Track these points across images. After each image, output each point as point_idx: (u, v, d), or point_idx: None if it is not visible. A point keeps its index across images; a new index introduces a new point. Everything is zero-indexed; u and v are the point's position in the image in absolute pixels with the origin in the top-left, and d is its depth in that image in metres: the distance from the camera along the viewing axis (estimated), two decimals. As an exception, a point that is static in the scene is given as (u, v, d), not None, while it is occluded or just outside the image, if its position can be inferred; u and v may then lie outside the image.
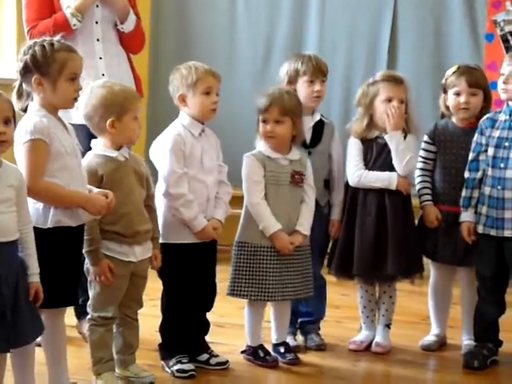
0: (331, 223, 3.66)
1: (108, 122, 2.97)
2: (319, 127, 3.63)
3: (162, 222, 3.26)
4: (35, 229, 2.75)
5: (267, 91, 3.46)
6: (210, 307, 3.45)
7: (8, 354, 2.70)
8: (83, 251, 2.97)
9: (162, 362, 3.38)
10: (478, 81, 3.56)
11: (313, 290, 3.50)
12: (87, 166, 2.98)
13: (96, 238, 2.96)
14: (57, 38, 2.88)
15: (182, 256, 3.26)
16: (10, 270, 2.58)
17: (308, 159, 3.49)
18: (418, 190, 3.66)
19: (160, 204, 3.27)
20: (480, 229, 3.46)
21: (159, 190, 3.27)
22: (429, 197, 3.64)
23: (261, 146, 3.46)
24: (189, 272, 3.28)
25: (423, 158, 3.67)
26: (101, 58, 3.67)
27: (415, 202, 3.69)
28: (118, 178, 3.00)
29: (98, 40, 3.70)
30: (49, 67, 2.79)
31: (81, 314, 3.72)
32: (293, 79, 3.61)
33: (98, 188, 2.92)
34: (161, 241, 3.24)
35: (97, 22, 3.70)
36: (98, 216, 2.88)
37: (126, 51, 3.83)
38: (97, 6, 3.70)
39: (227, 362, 3.44)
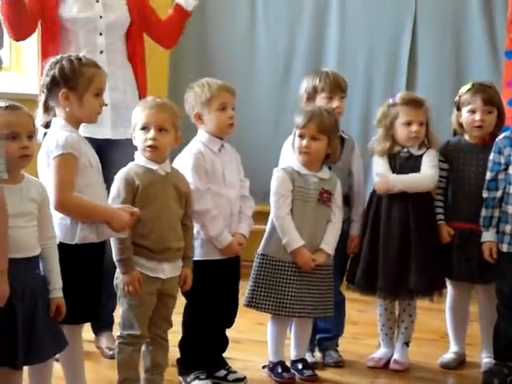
0: (350, 239, 3.65)
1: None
2: (339, 143, 3.62)
3: None
4: (62, 245, 2.76)
5: (307, 108, 3.47)
6: (231, 323, 3.44)
7: (25, 367, 2.70)
8: (114, 259, 2.95)
9: (180, 378, 3.37)
10: (492, 98, 3.56)
11: (332, 312, 3.49)
12: (125, 175, 2.97)
13: (128, 247, 2.94)
14: (82, 54, 2.92)
15: (207, 273, 3.24)
16: (28, 286, 2.57)
17: (338, 180, 3.49)
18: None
19: None
20: (505, 248, 3.42)
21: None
22: (441, 216, 3.62)
23: (292, 160, 3.46)
24: (213, 289, 3.27)
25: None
26: None
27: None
28: (154, 191, 2.99)
29: (101, 52, 3.66)
30: (77, 81, 2.83)
31: (98, 328, 3.74)
32: (311, 96, 3.61)
33: (133, 198, 2.93)
34: None
35: (101, 34, 3.67)
36: (120, 233, 2.88)
37: (131, 63, 3.78)
38: (100, 17, 3.66)
39: (245, 378, 3.43)
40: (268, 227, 3.46)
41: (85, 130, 3.14)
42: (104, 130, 3.60)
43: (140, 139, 3.02)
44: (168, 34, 3.92)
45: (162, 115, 3.01)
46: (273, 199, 3.43)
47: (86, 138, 3.01)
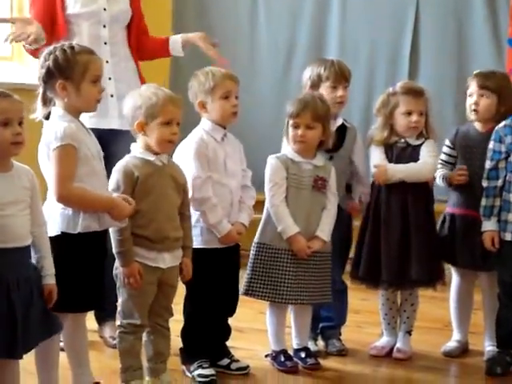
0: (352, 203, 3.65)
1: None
2: (341, 132, 3.63)
3: None
4: (64, 234, 2.77)
5: (299, 96, 3.46)
6: (232, 312, 3.45)
7: (34, 356, 2.73)
8: (114, 252, 2.95)
9: (183, 367, 3.38)
10: (489, 83, 3.54)
11: (331, 297, 3.49)
12: (124, 167, 2.96)
13: (127, 239, 2.93)
14: (75, 42, 2.91)
15: (206, 261, 3.25)
16: (22, 276, 2.57)
17: (332, 167, 3.49)
18: (439, 176, 3.64)
19: None
20: (508, 236, 3.41)
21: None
22: (448, 171, 3.63)
23: (287, 149, 3.47)
24: (213, 277, 3.28)
25: (443, 161, 3.67)
26: (107, 62, 3.63)
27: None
28: (153, 182, 2.98)
29: (105, 43, 3.67)
30: (72, 70, 2.81)
31: (101, 318, 3.74)
32: (315, 84, 3.60)
33: (132, 190, 2.92)
34: None
35: (104, 26, 3.68)
36: (121, 221, 2.87)
37: (133, 54, 3.80)
38: (104, 10, 3.67)
39: (248, 366, 3.44)
40: (263, 216, 3.46)
41: (90, 121, 3.14)
42: (110, 121, 3.60)
43: (161, 133, 2.95)
44: (144, 49, 3.86)
45: (180, 111, 3.01)
46: (267, 187, 3.43)
47: (90, 128, 2.99)
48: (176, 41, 3.88)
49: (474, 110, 3.55)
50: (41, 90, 2.88)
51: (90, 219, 2.81)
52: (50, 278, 2.67)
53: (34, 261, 2.66)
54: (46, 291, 2.65)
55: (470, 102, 3.57)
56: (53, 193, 2.76)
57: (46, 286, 2.66)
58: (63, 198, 2.76)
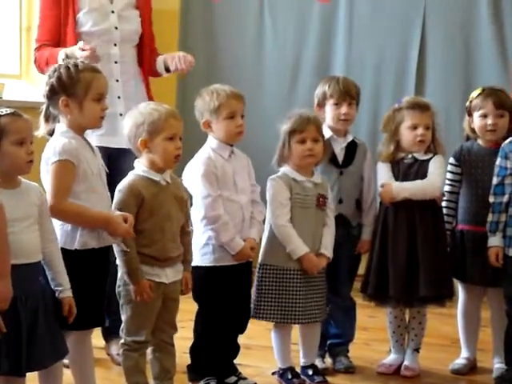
0: (360, 243, 3.64)
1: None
2: (352, 148, 3.64)
3: (197, 246, 3.25)
4: (62, 250, 2.76)
5: (294, 113, 3.46)
6: (243, 330, 3.44)
7: (37, 375, 2.71)
8: (123, 272, 2.94)
9: (190, 384, 3.38)
10: (504, 102, 3.57)
11: (326, 314, 3.50)
12: (130, 187, 2.94)
13: (133, 258, 2.92)
14: (80, 59, 2.93)
15: (218, 279, 3.26)
16: (30, 293, 2.58)
17: (328, 183, 3.50)
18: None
19: (195, 227, 3.26)
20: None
21: (195, 215, 3.25)
22: (448, 225, 3.65)
23: (285, 169, 3.47)
24: (225, 295, 3.28)
25: (450, 180, 3.67)
26: (117, 81, 3.67)
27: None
28: (158, 202, 2.96)
29: (115, 62, 3.69)
30: (75, 88, 2.82)
31: (108, 335, 3.74)
32: (321, 102, 3.63)
33: (138, 210, 2.92)
34: (197, 264, 3.22)
35: (115, 45, 3.70)
36: (119, 238, 2.86)
37: (142, 72, 3.82)
38: (115, 28, 3.70)
39: (255, 384, 3.43)
40: (267, 236, 3.45)
41: (100, 139, 3.14)
42: (119, 140, 3.58)
43: (166, 148, 2.94)
44: (154, 68, 3.87)
45: (181, 124, 3.01)
46: (270, 208, 3.42)
47: (99, 146, 3.00)
48: (159, 61, 3.84)
49: (491, 131, 3.55)
50: (44, 107, 2.90)
51: (88, 236, 2.82)
52: (68, 292, 2.68)
53: (49, 278, 2.67)
54: (65, 306, 2.67)
55: (483, 122, 3.55)
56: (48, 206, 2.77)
57: (64, 301, 2.67)
58: (56, 212, 2.75)
